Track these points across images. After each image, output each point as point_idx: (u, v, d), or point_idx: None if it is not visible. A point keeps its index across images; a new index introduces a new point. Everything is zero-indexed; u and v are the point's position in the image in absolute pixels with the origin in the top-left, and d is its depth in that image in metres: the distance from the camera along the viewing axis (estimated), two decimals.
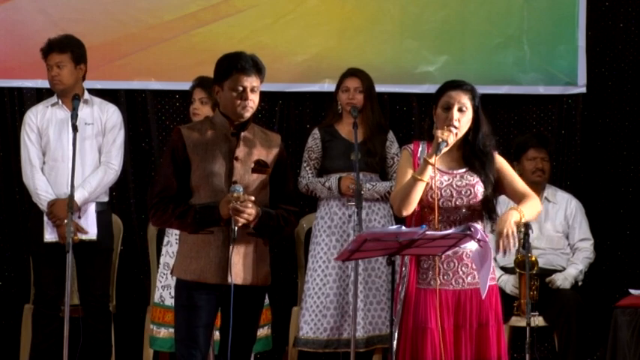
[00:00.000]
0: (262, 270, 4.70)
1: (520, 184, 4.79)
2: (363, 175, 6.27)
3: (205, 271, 4.58)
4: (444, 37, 6.99)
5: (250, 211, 4.52)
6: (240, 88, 4.59)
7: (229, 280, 4.54)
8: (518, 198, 4.73)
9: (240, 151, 4.63)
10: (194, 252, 4.61)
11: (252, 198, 4.52)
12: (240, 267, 4.60)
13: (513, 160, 6.34)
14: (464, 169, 4.72)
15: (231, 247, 4.54)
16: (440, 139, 4.54)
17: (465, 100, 4.67)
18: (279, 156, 4.72)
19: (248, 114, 4.63)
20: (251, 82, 4.60)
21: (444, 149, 4.57)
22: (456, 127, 4.62)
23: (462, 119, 4.66)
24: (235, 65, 4.60)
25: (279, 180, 4.72)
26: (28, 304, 6.54)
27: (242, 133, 4.65)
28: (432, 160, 4.54)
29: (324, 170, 6.42)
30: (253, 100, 4.62)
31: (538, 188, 6.59)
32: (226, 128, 4.66)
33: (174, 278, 4.73)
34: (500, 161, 4.78)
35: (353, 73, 6.42)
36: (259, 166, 4.64)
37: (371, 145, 6.34)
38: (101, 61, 6.72)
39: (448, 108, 4.65)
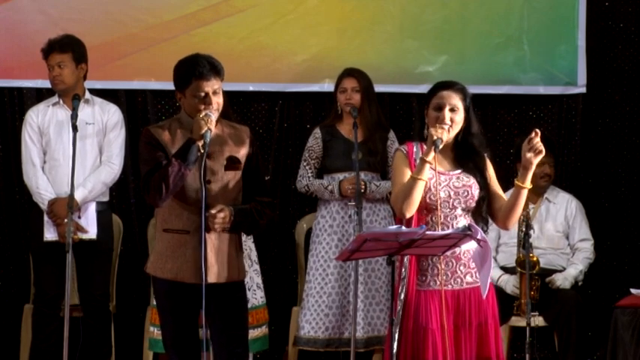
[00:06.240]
0: (238, 264, 4.70)
1: (498, 190, 4.77)
2: (365, 175, 6.27)
3: (182, 271, 4.58)
4: (444, 37, 6.99)
5: (221, 217, 4.53)
6: (202, 94, 4.58)
7: (206, 280, 4.53)
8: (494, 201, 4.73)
9: (211, 149, 4.58)
10: (170, 251, 4.61)
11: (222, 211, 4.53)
12: (218, 266, 4.60)
13: (515, 160, 6.31)
14: (459, 170, 4.72)
15: (204, 245, 4.52)
16: (435, 137, 4.54)
17: (457, 101, 4.67)
18: (251, 148, 4.71)
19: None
20: (212, 85, 4.58)
21: (440, 146, 4.56)
22: (448, 124, 4.61)
23: (455, 118, 4.66)
24: (193, 73, 4.57)
25: (253, 172, 4.72)
26: (28, 304, 6.54)
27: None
28: (429, 159, 4.54)
29: (325, 170, 6.42)
30: (218, 103, 4.61)
31: (541, 191, 6.59)
32: None
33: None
34: (489, 166, 4.77)
35: (349, 73, 6.41)
36: (232, 164, 4.63)
37: (372, 144, 6.34)
38: (101, 61, 6.72)
39: (440, 108, 4.66)
